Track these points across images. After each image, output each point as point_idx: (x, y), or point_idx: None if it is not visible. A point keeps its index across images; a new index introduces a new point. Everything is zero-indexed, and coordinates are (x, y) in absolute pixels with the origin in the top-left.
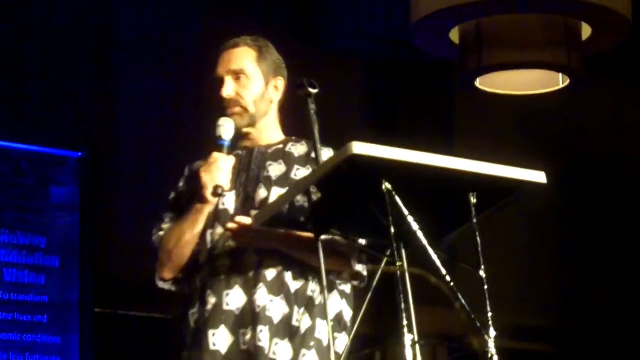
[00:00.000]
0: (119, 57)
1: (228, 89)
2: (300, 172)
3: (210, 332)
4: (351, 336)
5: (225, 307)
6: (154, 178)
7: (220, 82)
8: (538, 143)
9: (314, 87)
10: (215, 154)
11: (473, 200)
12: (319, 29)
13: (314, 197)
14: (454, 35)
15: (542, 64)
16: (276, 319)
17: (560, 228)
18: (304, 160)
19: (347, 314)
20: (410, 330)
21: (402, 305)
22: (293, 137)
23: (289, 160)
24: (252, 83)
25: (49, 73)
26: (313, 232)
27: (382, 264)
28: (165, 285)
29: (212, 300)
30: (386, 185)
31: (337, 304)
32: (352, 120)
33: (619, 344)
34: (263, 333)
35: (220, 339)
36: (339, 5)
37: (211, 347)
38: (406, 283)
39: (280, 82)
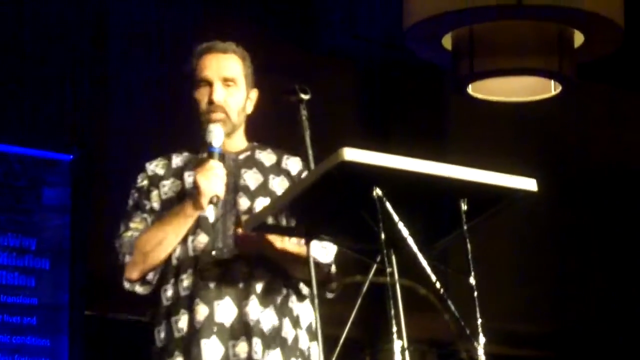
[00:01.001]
0: (113, 62)
1: (220, 95)
2: (275, 182)
3: (203, 342)
4: (340, 342)
5: (217, 318)
6: None
7: (206, 84)
8: (531, 149)
9: (305, 93)
10: (213, 162)
11: (464, 207)
12: (313, 31)
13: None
14: (447, 41)
15: (534, 71)
16: (267, 331)
17: (552, 234)
18: (276, 169)
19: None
20: (399, 337)
21: (392, 312)
22: (256, 143)
23: (263, 169)
24: (239, 93)
25: (43, 76)
26: (304, 237)
27: (372, 271)
28: (132, 287)
29: (202, 310)
30: (377, 191)
31: (310, 313)
32: (345, 125)
33: (610, 350)
34: (258, 346)
35: (212, 349)
36: (333, 8)
37: (204, 357)
38: (396, 289)
39: (254, 94)
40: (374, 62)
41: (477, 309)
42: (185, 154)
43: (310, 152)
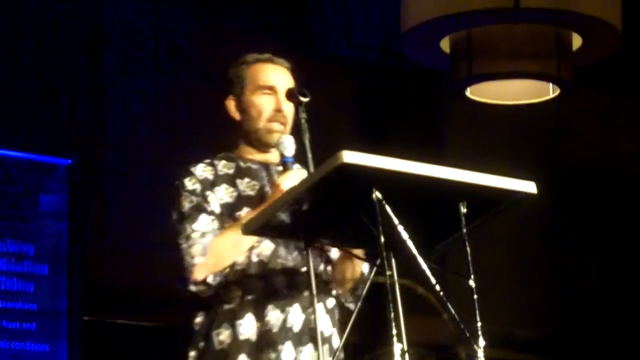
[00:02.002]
0: (110, 66)
1: (287, 106)
2: None
3: (280, 347)
4: (341, 345)
5: (288, 324)
6: (143, 187)
7: (271, 92)
8: (528, 153)
9: (305, 96)
10: (296, 172)
11: (463, 210)
12: (310, 36)
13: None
14: (445, 44)
15: (532, 74)
16: (327, 336)
17: (551, 237)
18: None
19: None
20: (399, 340)
21: (392, 315)
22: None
23: None
24: (293, 108)
25: (40, 81)
26: (303, 240)
27: (372, 274)
28: (198, 288)
29: (275, 316)
30: (376, 194)
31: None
32: (343, 128)
33: (610, 355)
34: (325, 351)
35: (288, 355)
36: (330, 12)
37: None
38: (396, 292)
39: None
40: (370, 69)
41: (477, 312)
42: (224, 161)
43: (309, 154)
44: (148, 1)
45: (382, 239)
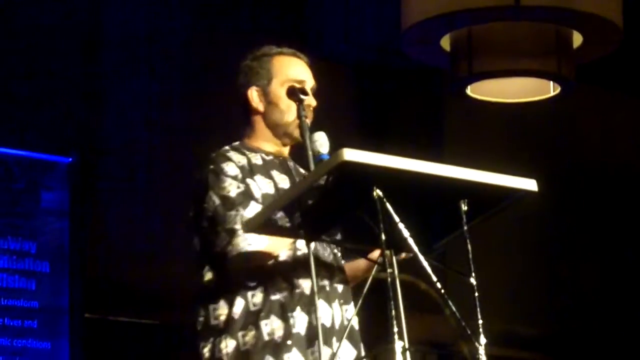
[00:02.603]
0: (109, 63)
1: (314, 100)
2: None
3: (333, 340)
4: (340, 343)
5: (336, 319)
6: (144, 184)
7: (300, 84)
8: (528, 150)
9: (305, 94)
10: None
11: (464, 207)
12: (308, 34)
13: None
14: (445, 43)
15: (532, 72)
16: (357, 333)
17: (552, 235)
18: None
19: None
20: (400, 337)
21: (393, 312)
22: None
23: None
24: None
25: (39, 78)
26: (304, 238)
27: (373, 271)
28: (237, 253)
29: (326, 310)
30: (377, 192)
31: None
32: (343, 127)
33: (610, 352)
34: (359, 348)
35: (344, 349)
36: (328, 11)
37: (323, 358)
38: (397, 290)
39: None
40: (369, 68)
41: (478, 310)
42: (248, 152)
43: (310, 152)
44: None
45: (383, 237)
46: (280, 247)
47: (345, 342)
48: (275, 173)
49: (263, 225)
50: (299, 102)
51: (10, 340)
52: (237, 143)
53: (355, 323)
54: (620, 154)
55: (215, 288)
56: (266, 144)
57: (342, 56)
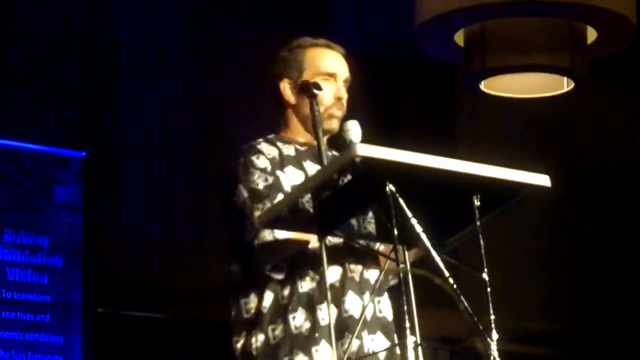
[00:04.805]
0: (121, 59)
1: (346, 94)
2: None
3: (364, 334)
4: (353, 337)
5: (367, 312)
6: (157, 178)
7: (331, 79)
8: (541, 146)
9: (319, 89)
10: None
11: (477, 203)
12: (318, 30)
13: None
14: (459, 38)
15: (546, 67)
16: (390, 324)
17: (565, 231)
18: None
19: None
20: (412, 333)
21: (405, 308)
22: None
23: None
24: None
25: (55, 73)
26: (317, 233)
27: (385, 266)
28: (263, 243)
29: (355, 302)
30: (390, 187)
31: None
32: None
33: (623, 347)
34: (392, 339)
35: (377, 342)
36: (339, 6)
37: (366, 350)
38: (409, 285)
39: None
40: (383, 63)
41: (490, 305)
42: (280, 142)
43: (323, 147)
44: None
45: (396, 232)
46: (306, 237)
47: (378, 334)
48: (308, 163)
49: (274, 220)
50: (312, 98)
51: (23, 334)
52: (271, 135)
53: (388, 314)
54: (633, 150)
55: (245, 281)
56: (300, 135)
57: (355, 51)
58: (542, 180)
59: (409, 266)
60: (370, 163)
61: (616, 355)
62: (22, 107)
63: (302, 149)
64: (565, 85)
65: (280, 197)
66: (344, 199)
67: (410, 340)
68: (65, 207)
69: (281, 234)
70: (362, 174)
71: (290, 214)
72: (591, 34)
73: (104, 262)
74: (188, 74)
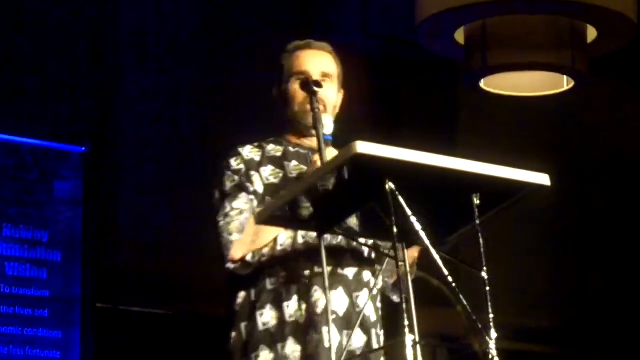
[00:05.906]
0: (121, 53)
1: (323, 89)
2: None
3: (325, 330)
4: (351, 334)
5: (334, 307)
6: (156, 174)
7: (304, 76)
8: (541, 144)
9: (319, 86)
10: (332, 149)
11: (476, 201)
12: (318, 25)
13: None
14: (460, 35)
15: (547, 65)
16: (374, 321)
17: (563, 229)
18: None
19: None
20: (411, 331)
21: (404, 306)
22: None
23: None
24: (334, 89)
25: (52, 68)
26: (316, 230)
27: (384, 264)
28: (235, 266)
29: (320, 298)
30: (390, 185)
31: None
32: (355, 119)
33: (621, 345)
34: (375, 336)
35: (333, 338)
36: (341, 2)
37: (326, 344)
38: (408, 283)
39: (341, 95)
40: (383, 59)
41: (489, 304)
42: (272, 144)
43: (323, 145)
44: None
45: (395, 230)
46: (265, 234)
47: (356, 329)
48: (290, 163)
49: (272, 217)
50: (313, 94)
51: (21, 329)
52: (271, 138)
53: (368, 309)
54: (635, 147)
55: (230, 279)
56: (294, 136)
57: (355, 47)
58: (542, 179)
59: (407, 265)
60: (369, 160)
61: (616, 352)
62: (22, 102)
63: (292, 150)
64: (565, 83)
65: (242, 195)
66: (343, 197)
67: (409, 338)
68: (65, 202)
69: (238, 235)
70: (361, 171)
71: (289, 211)
72: (591, 32)
73: (103, 256)
74: (197, 64)
